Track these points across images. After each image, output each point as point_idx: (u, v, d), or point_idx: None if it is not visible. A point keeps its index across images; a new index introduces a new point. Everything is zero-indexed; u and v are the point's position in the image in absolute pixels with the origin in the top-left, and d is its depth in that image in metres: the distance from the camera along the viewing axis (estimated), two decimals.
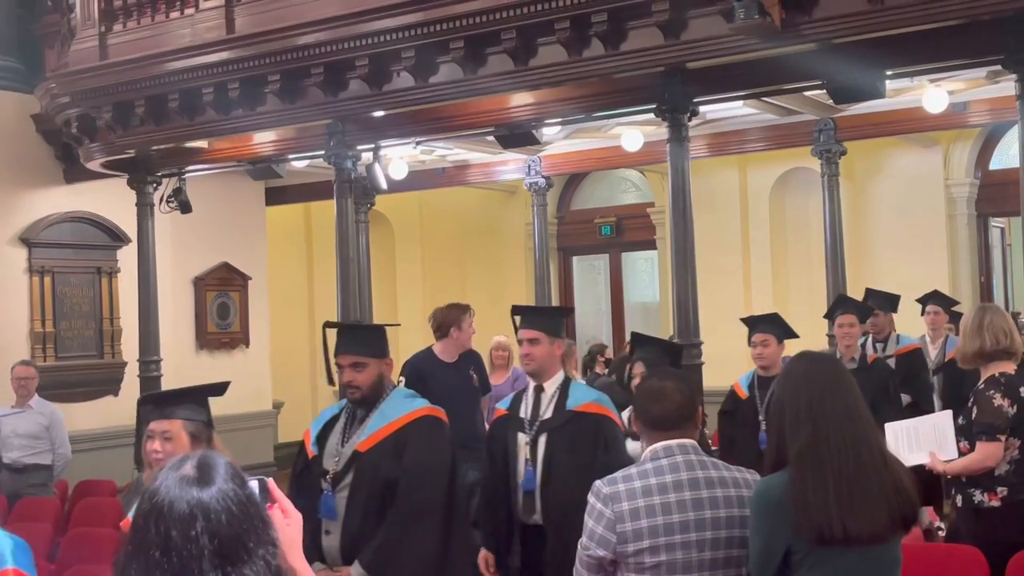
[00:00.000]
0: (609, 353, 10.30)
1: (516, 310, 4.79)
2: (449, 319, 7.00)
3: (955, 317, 8.64)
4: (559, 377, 4.63)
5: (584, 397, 4.60)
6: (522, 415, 4.63)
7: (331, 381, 4.26)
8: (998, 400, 4.31)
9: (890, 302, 8.07)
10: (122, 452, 9.59)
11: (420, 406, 4.13)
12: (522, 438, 4.58)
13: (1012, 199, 7.32)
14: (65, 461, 8.32)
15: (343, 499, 3.98)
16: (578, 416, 4.50)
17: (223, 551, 1.51)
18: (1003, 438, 4.30)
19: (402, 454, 3.94)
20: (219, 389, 3.75)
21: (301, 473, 4.21)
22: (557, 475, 4.45)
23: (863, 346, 7.58)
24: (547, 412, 4.57)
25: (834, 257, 9.11)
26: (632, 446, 4.75)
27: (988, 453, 4.30)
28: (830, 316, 7.41)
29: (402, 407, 4.08)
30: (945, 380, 7.85)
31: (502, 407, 4.81)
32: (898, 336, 8.04)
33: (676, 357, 5.38)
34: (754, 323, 6.25)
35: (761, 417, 5.77)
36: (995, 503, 4.34)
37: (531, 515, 4.53)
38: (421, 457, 3.95)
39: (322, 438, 4.16)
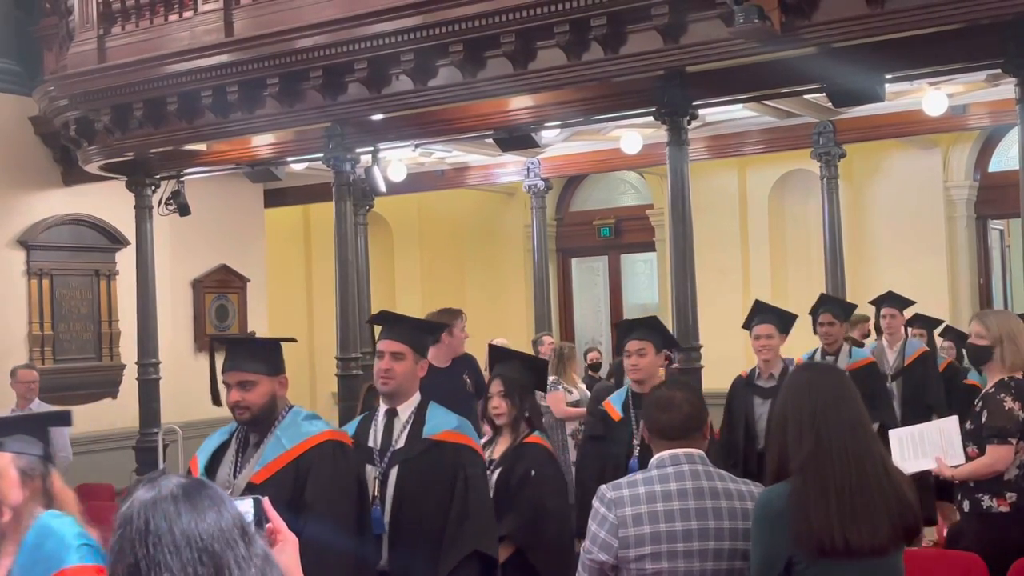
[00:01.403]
0: (595, 356, 10.31)
1: (378, 318, 4.22)
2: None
3: (923, 321, 8.33)
4: (415, 400, 4.03)
5: (443, 424, 3.98)
6: (371, 444, 3.99)
7: (216, 401, 3.76)
8: (1009, 403, 4.31)
9: (844, 310, 7.23)
10: (121, 455, 9.61)
11: (320, 430, 3.67)
12: (371, 471, 3.91)
13: (1011, 201, 7.33)
14: (65, 464, 8.29)
15: None
16: (436, 446, 3.92)
17: (216, 567, 1.49)
18: (1014, 442, 4.30)
19: (303, 485, 3.51)
20: (62, 418, 3.33)
21: None
22: (408, 515, 3.86)
23: (811, 358, 7.00)
24: (400, 441, 3.95)
25: (833, 259, 9.09)
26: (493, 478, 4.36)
27: (998, 457, 4.29)
28: (748, 325, 6.45)
29: (301, 432, 3.62)
30: (905, 386, 7.46)
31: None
32: (851, 350, 7.13)
33: (540, 374, 4.86)
34: (628, 328, 5.22)
35: (636, 442, 4.82)
36: (1004, 508, 4.33)
37: (377, 563, 3.87)
38: (324, 489, 3.52)
39: (211, 467, 3.70)
